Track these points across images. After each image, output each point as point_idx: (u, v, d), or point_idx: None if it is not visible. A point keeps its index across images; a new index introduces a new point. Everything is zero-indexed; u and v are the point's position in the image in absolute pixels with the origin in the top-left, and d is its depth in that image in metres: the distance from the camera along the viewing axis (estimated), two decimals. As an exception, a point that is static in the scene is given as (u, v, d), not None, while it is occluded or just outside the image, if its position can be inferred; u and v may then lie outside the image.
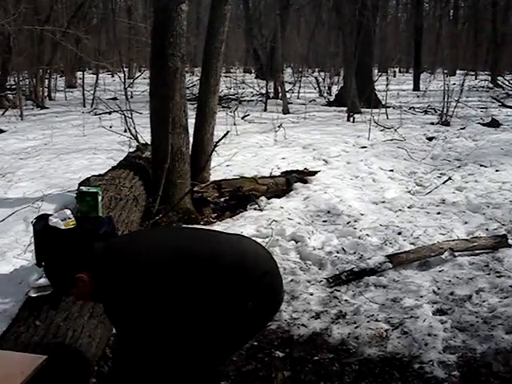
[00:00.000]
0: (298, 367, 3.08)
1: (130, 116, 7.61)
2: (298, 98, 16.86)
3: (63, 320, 2.81)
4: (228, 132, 5.91)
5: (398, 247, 4.65)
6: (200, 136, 6.05)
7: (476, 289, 3.90)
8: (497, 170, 7.44)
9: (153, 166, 5.56)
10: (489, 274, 4.16)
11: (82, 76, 17.41)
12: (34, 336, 2.64)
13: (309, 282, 4.09)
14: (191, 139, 5.83)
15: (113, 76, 21.12)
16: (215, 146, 5.86)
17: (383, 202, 6.03)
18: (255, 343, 3.31)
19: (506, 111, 14.01)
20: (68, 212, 3.55)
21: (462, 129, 11.20)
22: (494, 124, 11.59)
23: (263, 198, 5.97)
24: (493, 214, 5.52)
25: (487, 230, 5.11)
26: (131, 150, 7.00)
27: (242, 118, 12.16)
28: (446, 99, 12.15)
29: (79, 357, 2.66)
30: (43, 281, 3.06)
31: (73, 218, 3.51)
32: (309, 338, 3.37)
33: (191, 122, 5.79)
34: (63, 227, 3.44)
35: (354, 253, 4.62)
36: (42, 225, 3.51)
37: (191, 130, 5.85)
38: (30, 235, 3.86)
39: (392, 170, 7.58)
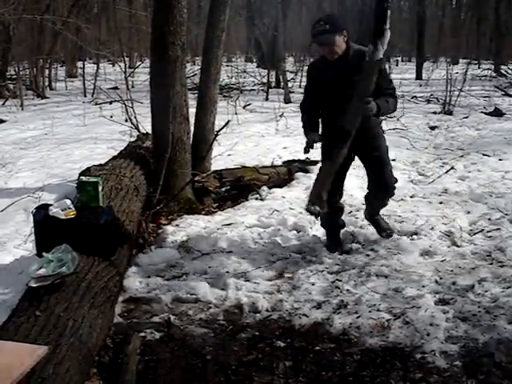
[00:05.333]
0: (299, 357, 3.06)
1: (130, 105, 7.58)
2: (299, 87, 16.77)
3: (63, 310, 2.80)
4: (229, 121, 5.87)
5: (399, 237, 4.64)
6: (201, 125, 6.02)
7: (478, 279, 3.87)
8: (500, 160, 7.41)
9: (153, 156, 5.54)
10: (491, 264, 4.14)
11: (82, 65, 17.36)
12: (34, 326, 2.63)
13: (310, 271, 4.07)
14: (192, 129, 5.80)
15: (113, 65, 21.03)
16: (216, 135, 5.83)
17: (385, 191, 5.99)
18: (256, 333, 3.30)
19: (510, 100, 13.93)
20: (68, 202, 3.55)
21: (464, 118, 11.16)
22: (497, 113, 11.55)
23: (265, 187, 5.94)
24: (495, 203, 5.50)
25: (490, 219, 5.08)
26: (132, 139, 6.97)
27: (244, 108, 12.12)
28: (448, 88, 12.10)
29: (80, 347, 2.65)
30: (43, 271, 3.05)
31: (73, 208, 3.51)
32: (310, 328, 3.35)
33: (192, 111, 5.76)
34: (63, 217, 3.44)
35: (357, 242, 4.60)
36: (42, 215, 3.51)
37: (192, 120, 5.82)
38: (31, 225, 3.85)
39: (394, 160, 7.51)
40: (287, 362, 3.01)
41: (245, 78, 17.41)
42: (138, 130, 7.13)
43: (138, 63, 21.61)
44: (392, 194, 4.50)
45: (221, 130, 5.68)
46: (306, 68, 18.82)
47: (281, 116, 10.16)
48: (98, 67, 16.82)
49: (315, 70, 4.28)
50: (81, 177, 4.28)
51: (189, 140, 5.55)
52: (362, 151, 4.29)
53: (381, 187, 4.40)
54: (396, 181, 4.42)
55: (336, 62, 4.01)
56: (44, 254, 3.19)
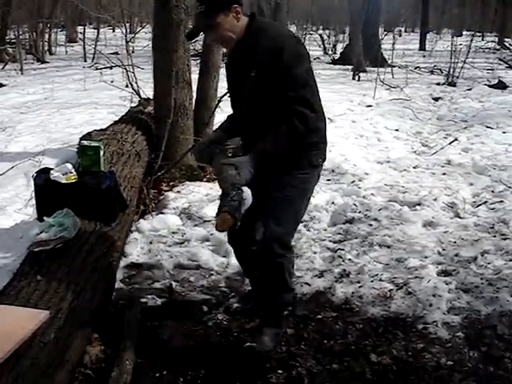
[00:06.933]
0: (301, 325, 3.06)
1: (131, 71, 7.47)
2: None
3: (65, 275, 2.76)
4: (232, 88, 5.77)
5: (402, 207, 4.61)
6: (204, 91, 5.92)
7: (481, 251, 3.86)
8: (503, 132, 7.39)
9: (155, 121, 5.47)
10: (494, 236, 4.13)
11: (82, 30, 17.14)
12: (35, 291, 2.60)
13: (313, 240, 4.05)
14: (194, 94, 5.72)
15: (114, 31, 20.78)
16: (219, 101, 5.73)
17: (388, 161, 5.97)
18: (258, 301, 3.29)
19: (513, 73, 13.81)
20: (69, 166, 3.49)
21: (468, 90, 11.08)
22: (501, 86, 11.48)
23: (267, 155, 5.87)
24: (499, 175, 5.48)
25: (493, 191, 5.06)
26: (133, 105, 6.89)
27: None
28: (452, 60, 11.98)
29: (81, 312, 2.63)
30: (45, 235, 3.02)
31: (74, 172, 3.45)
32: (312, 297, 3.35)
33: (194, 77, 5.67)
34: (64, 181, 3.38)
35: (359, 212, 4.56)
36: (42, 179, 3.45)
37: (195, 86, 5.73)
38: (31, 189, 3.81)
39: (397, 130, 7.49)
40: (289, 330, 3.00)
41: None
42: (139, 96, 7.03)
43: (139, 28, 21.30)
44: (267, 261, 2.76)
45: (224, 96, 5.57)
46: (308, 37, 18.59)
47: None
48: (98, 32, 16.59)
49: (226, 70, 2.92)
50: (82, 141, 4.22)
51: (191, 106, 5.48)
52: (264, 187, 2.77)
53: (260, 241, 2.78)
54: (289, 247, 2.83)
55: (235, 53, 2.73)
56: (45, 218, 3.14)
